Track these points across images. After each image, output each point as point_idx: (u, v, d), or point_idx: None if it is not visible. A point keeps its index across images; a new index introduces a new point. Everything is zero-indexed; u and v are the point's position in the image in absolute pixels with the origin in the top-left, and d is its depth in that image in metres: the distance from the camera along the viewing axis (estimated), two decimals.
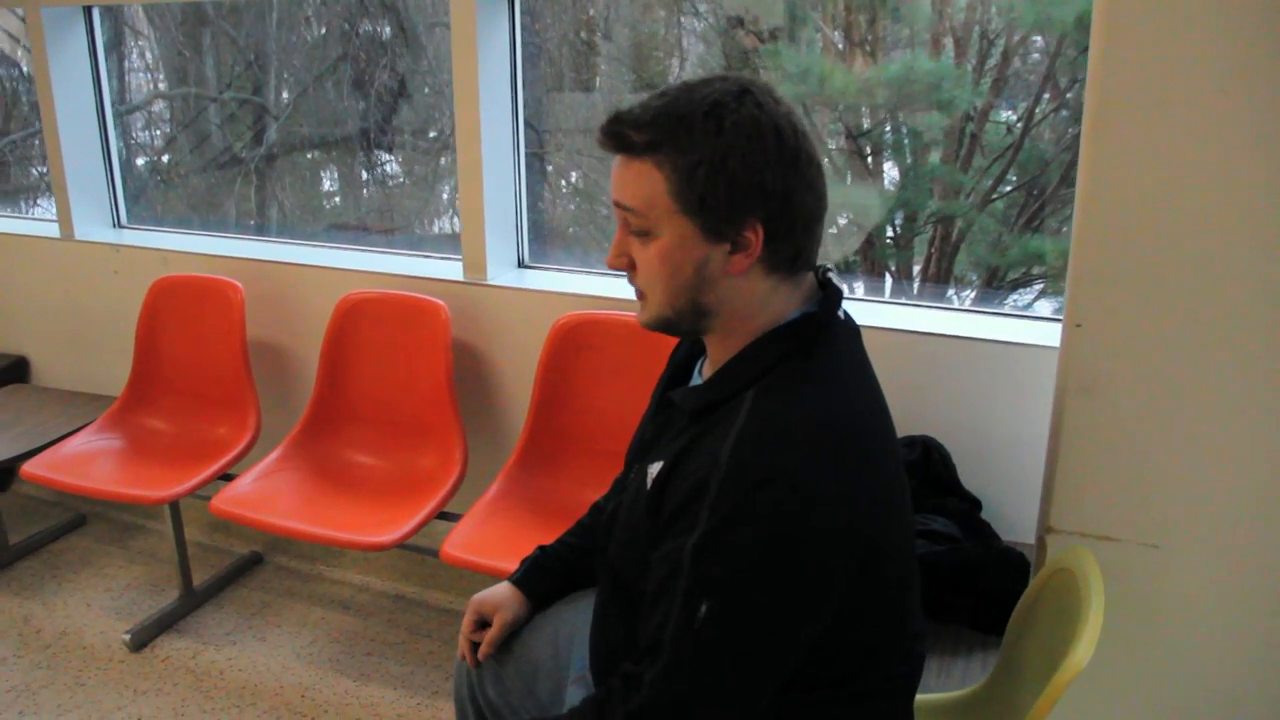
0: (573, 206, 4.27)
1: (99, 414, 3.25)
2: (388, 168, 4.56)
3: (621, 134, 1.29)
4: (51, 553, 3.48)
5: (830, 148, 3.73)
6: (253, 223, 4.61)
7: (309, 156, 4.70)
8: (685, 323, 1.36)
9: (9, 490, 3.76)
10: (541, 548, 1.79)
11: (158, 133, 5.11)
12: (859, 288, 3.73)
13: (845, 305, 1.40)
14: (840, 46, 3.61)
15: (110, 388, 3.42)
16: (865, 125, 3.74)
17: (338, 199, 4.79)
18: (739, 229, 1.28)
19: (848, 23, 3.62)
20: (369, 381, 3.03)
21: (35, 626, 3.06)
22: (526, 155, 3.00)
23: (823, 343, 1.34)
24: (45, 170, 4.20)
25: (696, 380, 1.47)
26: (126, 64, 5.15)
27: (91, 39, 3.55)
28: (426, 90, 4.19)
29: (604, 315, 2.73)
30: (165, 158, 5.03)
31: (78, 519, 3.65)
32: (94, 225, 3.69)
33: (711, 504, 1.22)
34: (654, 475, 1.34)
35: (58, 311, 3.74)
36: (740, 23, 3.62)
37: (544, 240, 3.27)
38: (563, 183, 4.17)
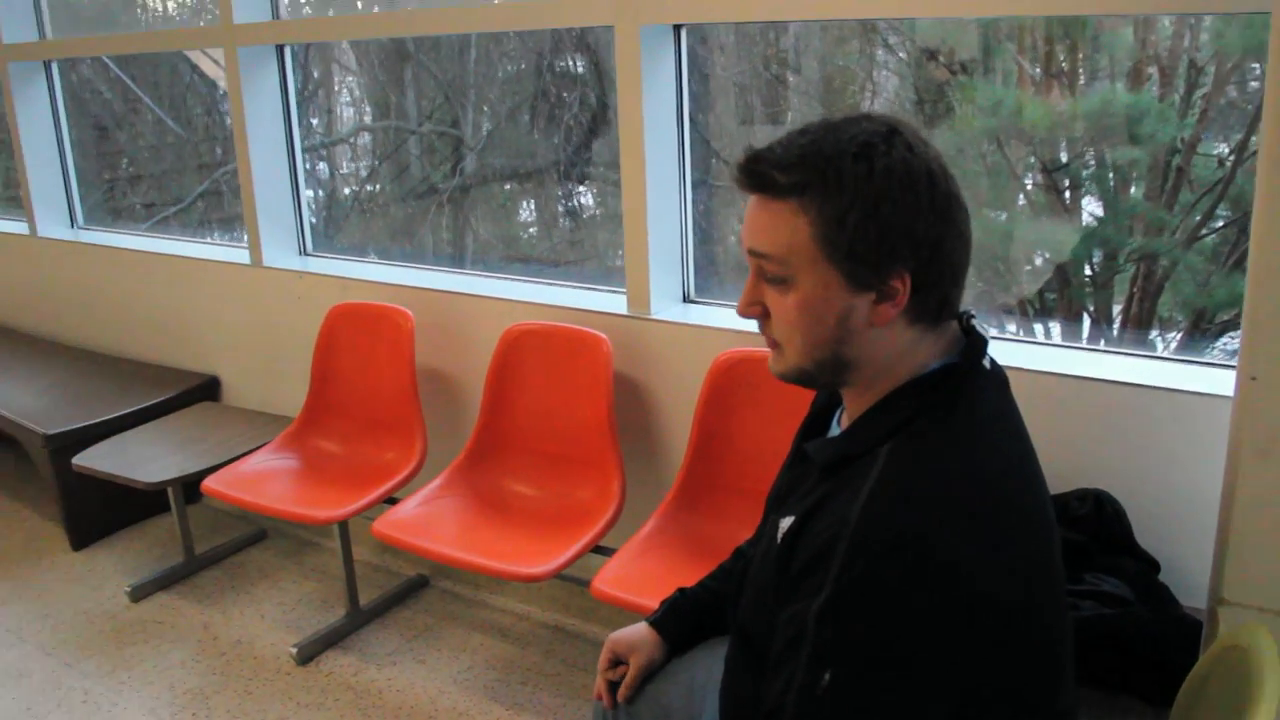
0: None
1: (278, 433, 3.40)
2: (581, 199, 4.64)
3: (763, 174, 1.23)
4: (233, 564, 3.64)
5: (1026, 183, 3.62)
6: (449, 252, 4.75)
7: (506, 188, 4.81)
8: (824, 375, 1.31)
9: (198, 503, 3.95)
10: (681, 590, 1.77)
11: (363, 164, 5.34)
12: (1055, 330, 3.60)
13: (997, 352, 1.35)
14: (1036, 78, 3.50)
15: (291, 409, 3.56)
16: (1063, 159, 3.62)
17: (533, 230, 4.88)
18: (886, 278, 1.22)
19: (1044, 54, 3.51)
20: (531, 412, 3.07)
21: (213, 634, 3.21)
22: (712, 188, 2.99)
23: (964, 395, 1.27)
24: None
25: (835, 430, 1.43)
26: (333, 99, 5.41)
27: (283, 76, 3.72)
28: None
29: (766, 354, 2.69)
30: (368, 187, 5.24)
31: (258, 533, 3.81)
32: (281, 253, 3.86)
33: (839, 567, 1.16)
34: (784, 530, 1.30)
35: (247, 334, 3.93)
36: (933, 55, 3.55)
37: (719, 273, 3.25)
38: None
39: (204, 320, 4.08)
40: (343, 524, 3.11)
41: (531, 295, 3.25)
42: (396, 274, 3.63)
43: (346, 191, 5.29)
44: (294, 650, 3.05)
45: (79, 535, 3.77)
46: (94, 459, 3.39)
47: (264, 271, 3.83)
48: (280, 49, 3.69)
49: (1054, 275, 3.55)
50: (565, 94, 4.30)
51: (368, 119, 5.41)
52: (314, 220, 5.15)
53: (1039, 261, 3.57)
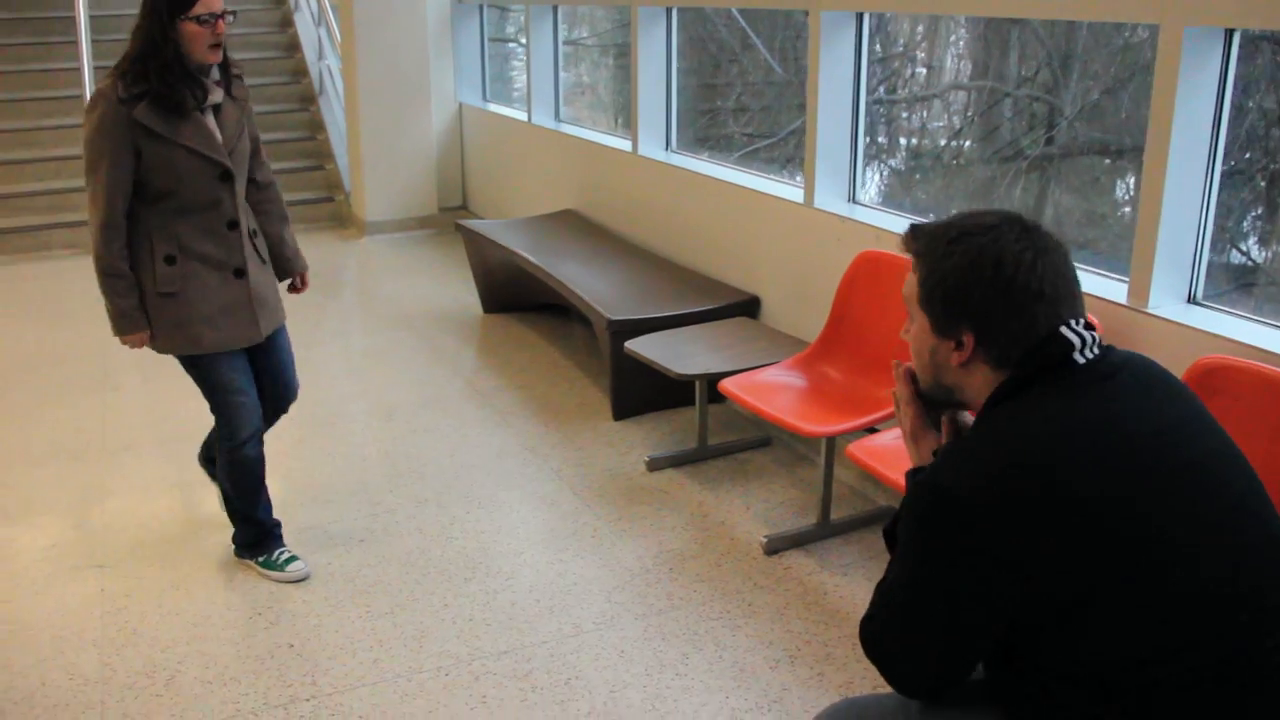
0: None
1: (794, 354, 3.82)
2: None
3: (908, 240, 1.68)
4: (737, 460, 4.16)
5: None
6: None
7: (1106, 162, 4.78)
8: (939, 395, 1.73)
9: (722, 403, 4.50)
10: None
11: (953, 120, 5.55)
12: None
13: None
14: None
15: (813, 335, 3.97)
16: None
17: (1126, 210, 4.79)
18: (955, 332, 1.62)
19: None
20: None
21: (704, 511, 3.73)
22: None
23: (1029, 389, 1.57)
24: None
25: None
26: (940, 51, 5.66)
27: (859, 40, 4.08)
28: None
29: (1245, 364, 2.66)
30: (954, 143, 5.45)
31: (764, 439, 4.29)
32: (831, 198, 4.26)
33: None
34: None
35: (790, 264, 4.39)
36: None
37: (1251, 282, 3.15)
38: None
39: (757, 245, 4.59)
40: (829, 441, 3.47)
41: None
42: None
43: (931, 144, 5.51)
44: (764, 540, 3.48)
45: (621, 408, 4.47)
46: (641, 345, 4.03)
47: (813, 212, 4.25)
48: (859, 15, 4.05)
49: None
50: None
51: (965, 78, 5.61)
52: (899, 167, 5.49)
53: None
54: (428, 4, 7.64)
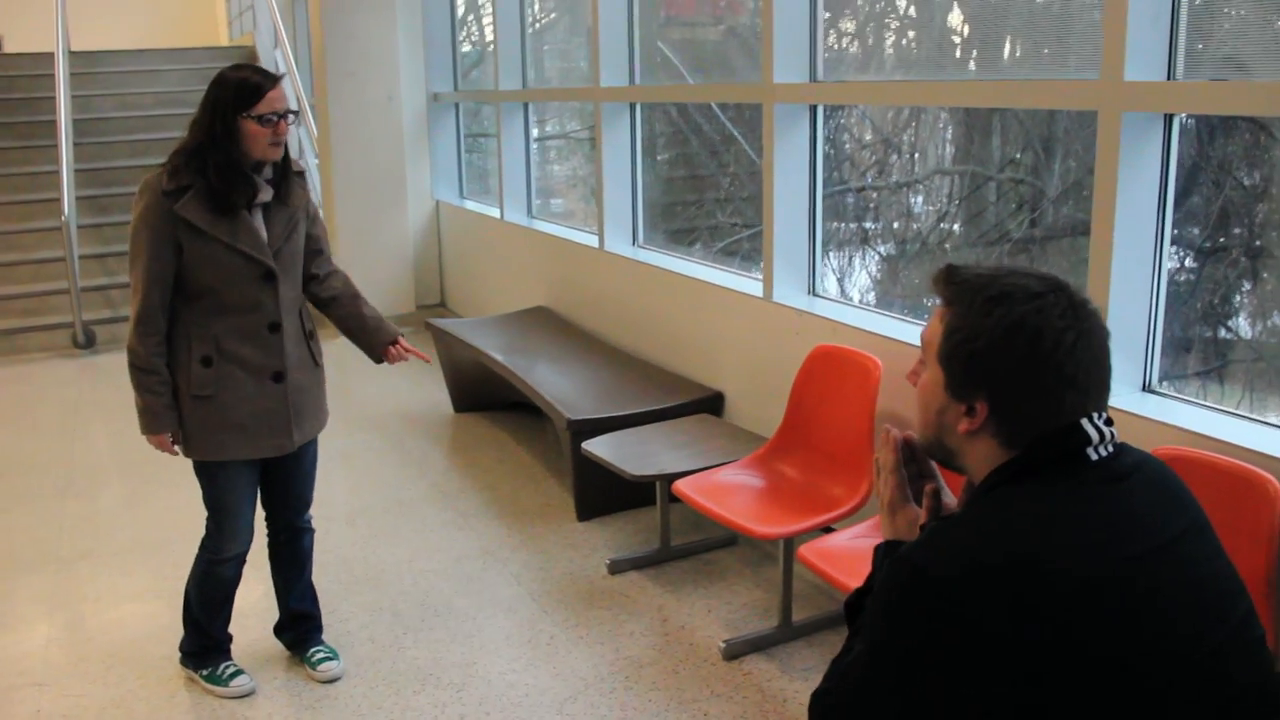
0: None
1: (753, 451, 3.77)
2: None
3: (940, 282, 1.53)
4: (702, 560, 4.08)
5: None
6: None
7: (1088, 241, 4.75)
8: (938, 454, 1.59)
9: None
10: None
11: (934, 209, 5.56)
12: None
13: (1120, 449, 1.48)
14: None
15: (772, 431, 3.92)
16: None
17: None
18: (970, 397, 1.48)
19: None
20: None
21: (664, 615, 3.65)
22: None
23: (1033, 478, 1.44)
24: None
25: None
26: (922, 139, 5.69)
27: (813, 133, 4.09)
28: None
29: (1200, 455, 2.60)
30: (941, 226, 5.45)
31: (730, 538, 4.21)
32: (790, 290, 4.24)
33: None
34: None
35: (751, 360, 4.36)
36: None
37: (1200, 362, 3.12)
38: None
39: (719, 341, 4.57)
40: (787, 542, 3.40)
41: None
42: (885, 323, 3.85)
43: (918, 230, 5.51)
44: (723, 645, 3.39)
45: (585, 508, 4.41)
46: (598, 446, 3.98)
47: (772, 305, 4.23)
48: (813, 108, 4.06)
49: None
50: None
51: (947, 163, 5.62)
52: (889, 254, 5.47)
53: None
54: (404, 101, 7.72)
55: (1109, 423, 1.47)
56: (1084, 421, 1.44)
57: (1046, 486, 1.43)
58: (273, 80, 2.94)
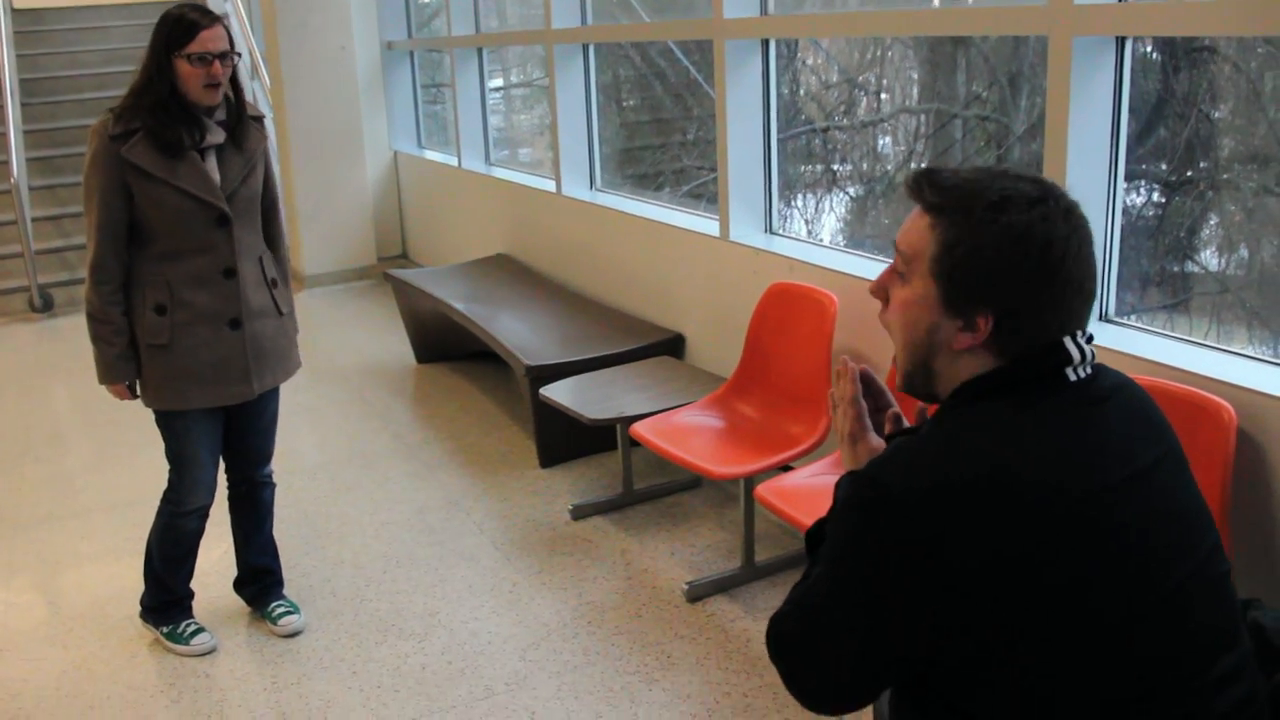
0: None
1: (712, 392, 3.74)
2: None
3: (921, 187, 1.41)
4: (665, 504, 4.06)
5: None
6: None
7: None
8: (918, 384, 1.49)
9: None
10: None
11: (901, 148, 5.52)
12: None
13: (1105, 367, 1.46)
14: None
15: (731, 372, 3.90)
16: None
17: None
18: (972, 312, 1.39)
19: None
20: None
21: (628, 559, 3.64)
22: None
23: (1009, 394, 1.39)
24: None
25: None
26: (887, 78, 5.63)
27: (765, 68, 4.03)
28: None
29: (1158, 383, 2.59)
30: (907, 167, 5.41)
31: (694, 480, 4.20)
32: (748, 229, 4.20)
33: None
34: None
35: (709, 301, 4.33)
36: None
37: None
38: None
39: (678, 282, 4.53)
40: (747, 482, 3.39)
41: None
42: (844, 260, 3.81)
43: (884, 169, 5.47)
44: (686, 587, 3.39)
45: (547, 455, 4.38)
46: (556, 391, 3.95)
47: (729, 245, 4.18)
48: (765, 43, 4.00)
49: None
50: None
51: (911, 102, 5.57)
52: (855, 194, 5.44)
53: None
54: (357, 51, 7.59)
55: (1090, 340, 1.42)
56: (1066, 340, 1.39)
57: (1024, 402, 1.38)
58: (211, 19, 2.85)
